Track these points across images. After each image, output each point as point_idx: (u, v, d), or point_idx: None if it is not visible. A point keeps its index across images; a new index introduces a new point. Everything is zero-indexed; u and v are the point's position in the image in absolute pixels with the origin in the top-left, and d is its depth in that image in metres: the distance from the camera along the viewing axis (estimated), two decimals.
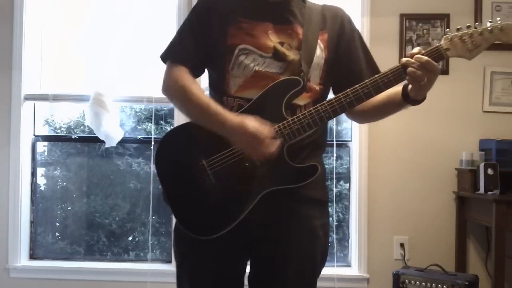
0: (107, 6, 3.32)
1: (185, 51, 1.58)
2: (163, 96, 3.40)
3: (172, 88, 1.57)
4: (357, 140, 3.15)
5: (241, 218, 1.46)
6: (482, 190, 2.79)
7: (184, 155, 1.52)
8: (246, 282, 1.60)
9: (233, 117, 1.44)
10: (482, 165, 2.82)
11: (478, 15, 3.10)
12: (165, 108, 3.35)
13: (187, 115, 1.56)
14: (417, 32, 3.13)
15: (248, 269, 1.59)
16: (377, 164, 3.13)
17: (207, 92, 1.62)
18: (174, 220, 3.35)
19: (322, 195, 1.61)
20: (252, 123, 1.42)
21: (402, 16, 3.14)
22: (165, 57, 1.62)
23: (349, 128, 3.26)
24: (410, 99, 1.48)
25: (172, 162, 1.54)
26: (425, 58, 1.40)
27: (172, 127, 3.30)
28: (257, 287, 1.56)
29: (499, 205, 2.64)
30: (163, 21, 3.26)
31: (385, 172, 3.14)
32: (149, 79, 3.19)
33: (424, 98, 1.48)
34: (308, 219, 1.54)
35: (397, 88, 1.50)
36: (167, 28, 3.22)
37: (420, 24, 3.14)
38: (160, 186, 1.58)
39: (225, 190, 1.48)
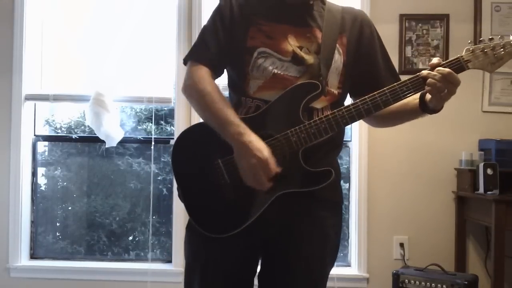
0: (107, 6, 3.32)
1: (206, 51, 1.58)
2: (163, 96, 3.42)
3: (192, 90, 1.56)
4: (357, 140, 3.16)
5: (254, 218, 1.47)
6: (481, 190, 2.80)
7: (200, 154, 1.53)
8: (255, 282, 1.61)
9: (253, 136, 1.43)
10: (481, 165, 2.82)
11: (477, 16, 3.11)
12: (165, 108, 3.36)
13: (204, 119, 1.56)
14: (417, 32, 3.14)
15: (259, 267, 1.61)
16: (377, 164, 3.13)
17: (225, 93, 1.63)
18: (174, 220, 3.37)
19: (335, 196, 1.61)
20: (268, 153, 1.42)
21: (401, 16, 3.15)
22: (186, 59, 1.61)
23: (349, 128, 3.26)
24: (428, 108, 1.49)
25: (188, 160, 1.55)
26: (447, 70, 1.40)
27: (172, 127, 3.31)
28: (267, 285, 1.57)
29: (499, 205, 2.65)
30: (163, 21, 3.27)
31: (384, 172, 3.14)
32: (149, 79, 3.20)
33: (442, 107, 1.48)
34: (321, 220, 1.55)
35: (415, 96, 1.49)
36: (167, 29, 3.23)
37: (420, 25, 3.14)
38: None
39: (239, 190, 1.48)
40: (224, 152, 1.49)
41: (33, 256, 3.31)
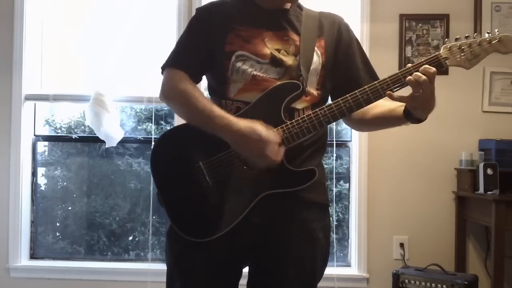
0: (107, 6, 3.32)
1: (184, 57, 1.57)
2: None
3: (172, 91, 1.55)
4: (356, 140, 3.15)
5: (237, 221, 1.45)
6: (481, 190, 2.80)
7: (181, 156, 1.51)
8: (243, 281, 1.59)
9: (241, 122, 1.42)
10: (481, 165, 2.82)
11: (477, 16, 3.11)
12: (165, 108, 3.35)
13: (188, 119, 1.53)
14: (417, 32, 3.14)
15: (245, 271, 1.58)
16: (377, 164, 3.13)
17: (206, 94, 1.62)
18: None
19: (322, 198, 1.59)
20: (262, 129, 1.40)
21: (401, 16, 3.14)
22: (164, 66, 1.59)
23: (349, 128, 3.26)
24: (411, 117, 1.48)
25: (168, 163, 1.52)
26: (433, 69, 1.39)
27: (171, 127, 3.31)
28: None
29: (499, 205, 2.64)
30: (163, 21, 3.26)
31: (384, 172, 3.14)
32: (149, 79, 3.20)
33: (426, 118, 1.48)
34: (308, 222, 1.53)
35: (400, 104, 1.49)
36: (167, 29, 3.23)
37: (420, 25, 3.14)
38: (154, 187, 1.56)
39: (222, 193, 1.47)
40: (205, 154, 1.47)
41: (33, 256, 3.30)
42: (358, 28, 3.08)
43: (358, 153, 3.13)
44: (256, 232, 1.49)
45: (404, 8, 3.15)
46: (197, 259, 1.50)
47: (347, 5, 3.07)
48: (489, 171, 2.78)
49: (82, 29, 3.37)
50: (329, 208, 1.65)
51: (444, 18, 3.13)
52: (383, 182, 3.14)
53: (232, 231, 1.45)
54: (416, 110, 1.45)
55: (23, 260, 3.22)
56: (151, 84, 3.17)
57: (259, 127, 1.41)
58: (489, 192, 2.75)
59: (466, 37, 1.46)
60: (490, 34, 1.46)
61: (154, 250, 3.36)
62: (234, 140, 1.43)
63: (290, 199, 1.49)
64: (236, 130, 1.41)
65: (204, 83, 1.67)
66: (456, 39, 1.46)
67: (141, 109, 3.43)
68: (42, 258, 3.32)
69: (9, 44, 3.18)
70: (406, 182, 3.14)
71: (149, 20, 3.28)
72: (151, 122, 3.31)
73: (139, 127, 3.44)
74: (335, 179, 3.20)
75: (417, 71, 1.40)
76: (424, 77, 1.38)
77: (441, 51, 1.45)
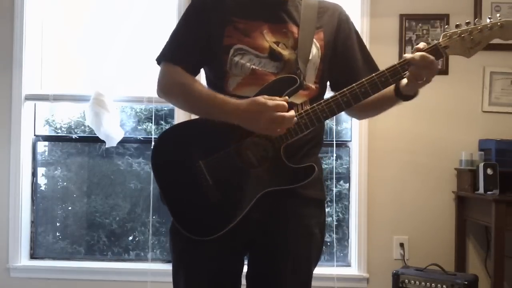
0: (107, 6, 3.32)
1: (180, 51, 1.57)
2: None
3: (170, 85, 1.55)
4: (357, 140, 3.15)
5: (238, 220, 1.45)
6: (481, 190, 2.80)
7: (181, 155, 1.51)
8: (243, 281, 1.59)
9: (244, 102, 1.41)
10: (481, 165, 2.82)
11: (477, 15, 3.10)
12: (165, 108, 3.36)
13: (191, 110, 1.54)
14: (417, 32, 3.14)
15: (245, 267, 1.60)
16: (377, 164, 3.13)
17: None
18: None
19: (319, 194, 1.60)
20: (263, 98, 1.39)
21: (401, 16, 3.14)
22: (159, 59, 1.59)
23: (349, 128, 3.27)
24: (402, 95, 1.47)
25: (169, 162, 1.53)
26: (431, 57, 1.38)
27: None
28: (255, 285, 1.56)
29: (499, 205, 2.64)
30: (163, 21, 3.26)
31: (384, 172, 3.14)
32: (149, 79, 3.19)
33: (416, 94, 1.48)
34: (305, 218, 1.54)
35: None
36: (167, 28, 3.22)
37: (420, 25, 3.14)
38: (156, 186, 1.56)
39: (223, 191, 1.47)
40: (205, 153, 1.47)
41: (33, 256, 3.31)
42: (358, 23, 3.07)
43: (358, 153, 3.13)
44: (255, 227, 1.50)
45: (404, 8, 3.15)
46: (199, 255, 1.51)
47: (347, 4, 3.06)
48: (489, 171, 2.78)
49: (82, 29, 3.37)
50: (325, 202, 1.66)
51: (444, 18, 3.13)
52: (383, 182, 3.14)
53: (233, 228, 1.46)
54: (406, 88, 1.45)
55: (23, 260, 3.22)
56: (151, 84, 3.16)
57: (261, 98, 1.39)
58: (489, 192, 2.75)
59: (467, 24, 1.42)
60: (491, 20, 1.41)
61: (154, 250, 3.36)
62: (244, 121, 1.42)
63: (288, 196, 1.49)
64: (242, 111, 1.40)
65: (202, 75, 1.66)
66: (457, 26, 1.42)
67: (141, 109, 3.43)
68: (42, 258, 3.32)
69: (9, 43, 3.18)
70: (406, 182, 3.14)
71: (149, 20, 3.28)
72: (151, 122, 3.31)
73: (139, 127, 3.44)
74: (335, 179, 3.20)
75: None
76: (420, 70, 1.37)
77: (441, 39, 1.42)
